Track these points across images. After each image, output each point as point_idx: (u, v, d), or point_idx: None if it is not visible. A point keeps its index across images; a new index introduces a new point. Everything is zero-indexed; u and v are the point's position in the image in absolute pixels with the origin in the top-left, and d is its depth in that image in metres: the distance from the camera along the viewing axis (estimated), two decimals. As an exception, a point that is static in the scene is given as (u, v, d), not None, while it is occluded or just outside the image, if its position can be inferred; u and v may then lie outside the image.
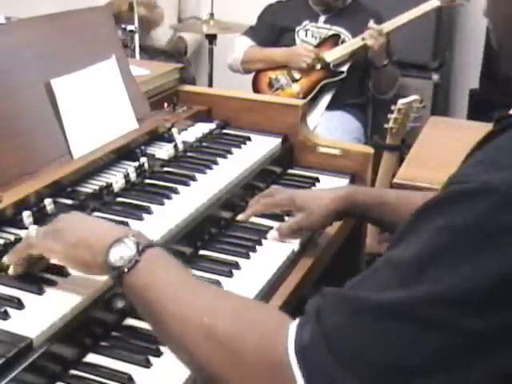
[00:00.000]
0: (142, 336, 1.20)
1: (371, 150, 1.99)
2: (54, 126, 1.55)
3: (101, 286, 1.21)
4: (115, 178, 1.55)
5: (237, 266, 1.42)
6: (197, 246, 1.50)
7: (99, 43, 1.76)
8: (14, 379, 1.01)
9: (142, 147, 1.73)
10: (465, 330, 0.74)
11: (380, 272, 0.81)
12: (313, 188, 1.85)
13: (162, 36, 3.97)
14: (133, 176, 1.59)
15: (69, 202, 1.44)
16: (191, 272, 1.03)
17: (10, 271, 1.20)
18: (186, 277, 1.00)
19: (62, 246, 1.11)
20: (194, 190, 1.60)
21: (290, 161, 1.99)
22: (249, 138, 1.94)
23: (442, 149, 2.35)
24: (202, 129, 1.95)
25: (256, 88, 3.46)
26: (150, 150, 1.76)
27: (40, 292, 1.16)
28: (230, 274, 1.39)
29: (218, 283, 1.34)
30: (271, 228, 1.58)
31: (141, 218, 1.43)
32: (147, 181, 1.62)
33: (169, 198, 1.53)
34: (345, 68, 3.36)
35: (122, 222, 1.40)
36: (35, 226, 1.32)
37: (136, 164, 1.63)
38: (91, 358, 1.15)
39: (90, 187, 1.52)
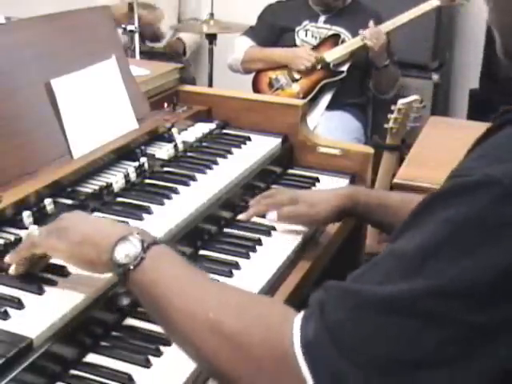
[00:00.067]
0: (142, 336, 1.20)
1: (371, 150, 1.99)
2: (54, 126, 1.55)
3: (101, 286, 1.21)
4: (115, 178, 1.55)
5: (237, 266, 1.42)
6: (197, 245, 1.50)
7: (99, 43, 1.76)
8: (14, 379, 1.01)
9: (142, 147, 1.73)
10: (466, 323, 0.74)
11: (383, 264, 0.82)
12: (313, 188, 1.85)
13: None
14: (133, 176, 1.59)
15: (69, 201, 1.44)
16: (196, 267, 1.02)
17: (12, 271, 1.20)
18: (192, 272, 1.00)
19: (66, 245, 1.11)
20: (194, 189, 1.60)
21: (290, 161, 1.99)
22: (249, 138, 1.94)
23: (442, 149, 2.35)
24: (202, 129, 1.95)
25: (256, 88, 3.46)
26: (150, 149, 1.76)
27: (40, 292, 1.16)
28: (230, 274, 1.39)
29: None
30: (272, 228, 1.58)
31: (141, 218, 1.43)
32: (147, 181, 1.62)
33: (169, 198, 1.53)
34: (345, 68, 3.36)
35: (122, 222, 1.40)
36: (35, 226, 1.32)
37: (136, 164, 1.63)
38: (91, 357, 1.15)
39: (90, 187, 1.52)
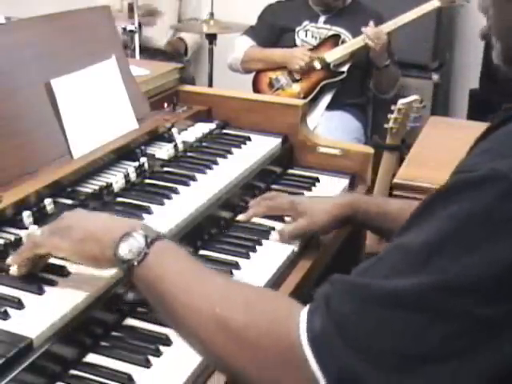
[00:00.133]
0: (142, 336, 1.20)
1: (371, 150, 1.99)
2: (54, 126, 1.55)
3: (101, 286, 1.21)
4: (115, 178, 1.55)
5: (237, 266, 1.42)
6: (197, 245, 1.50)
7: (99, 43, 1.76)
8: (14, 379, 1.01)
9: (142, 147, 1.73)
10: (472, 318, 0.75)
11: (388, 258, 0.82)
12: (313, 188, 1.85)
13: (161, 36, 3.97)
14: (133, 176, 1.59)
15: (69, 201, 1.44)
16: (200, 262, 1.03)
17: (14, 272, 1.20)
18: (196, 267, 1.01)
19: (69, 243, 1.12)
20: (194, 189, 1.60)
21: (290, 161, 1.99)
22: (249, 138, 1.94)
23: (442, 149, 2.35)
24: (202, 129, 1.95)
25: (256, 88, 3.46)
26: (150, 149, 1.75)
27: (40, 292, 1.16)
28: (230, 274, 1.39)
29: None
30: (272, 228, 1.58)
31: (141, 218, 1.43)
32: (147, 181, 1.62)
33: (169, 198, 1.53)
34: (345, 68, 3.36)
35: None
36: (35, 226, 1.32)
37: (136, 164, 1.63)
38: (91, 357, 1.15)
39: (90, 187, 1.52)
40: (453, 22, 4.03)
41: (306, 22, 3.42)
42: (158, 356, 1.16)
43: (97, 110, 1.66)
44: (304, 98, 3.25)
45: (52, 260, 1.26)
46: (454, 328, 0.75)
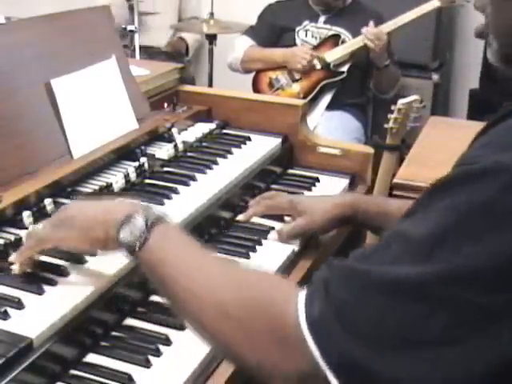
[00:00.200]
0: (142, 336, 1.20)
1: (371, 150, 2.00)
2: (54, 125, 1.55)
3: (101, 286, 1.21)
4: (115, 178, 1.55)
5: (237, 265, 1.42)
6: (197, 245, 1.50)
7: (99, 43, 1.76)
8: (14, 379, 1.01)
9: (142, 147, 1.73)
10: (473, 308, 0.75)
11: (391, 246, 0.82)
12: (313, 188, 1.85)
13: (161, 36, 3.97)
14: (133, 176, 1.59)
15: (69, 201, 1.44)
16: (201, 245, 1.03)
17: (16, 270, 1.20)
18: (197, 251, 1.01)
19: (76, 232, 1.13)
20: (194, 190, 1.60)
21: (290, 161, 1.99)
22: (249, 138, 1.94)
23: (442, 149, 2.35)
24: (202, 129, 1.95)
25: (256, 88, 3.46)
26: (150, 149, 1.76)
27: (40, 292, 1.16)
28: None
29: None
30: (271, 228, 1.58)
31: (141, 218, 1.43)
32: (147, 181, 1.62)
33: (169, 197, 1.53)
34: (345, 68, 3.36)
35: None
36: (35, 226, 1.32)
37: (136, 164, 1.63)
38: (91, 357, 1.15)
39: (90, 187, 1.52)
40: (453, 22, 4.03)
41: (306, 22, 3.42)
42: (158, 356, 1.16)
43: (97, 110, 1.66)
44: (304, 97, 3.25)
45: (52, 260, 1.26)
46: (454, 317, 0.76)
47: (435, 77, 3.78)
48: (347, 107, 3.41)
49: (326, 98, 3.39)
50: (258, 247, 1.51)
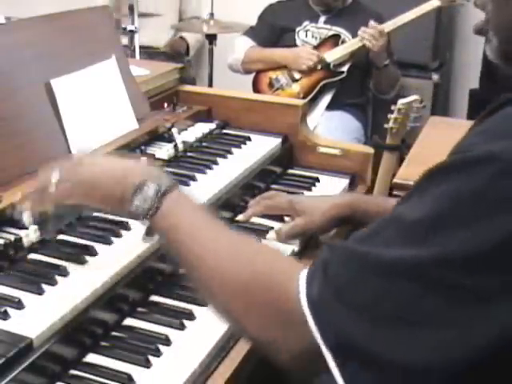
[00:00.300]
0: (142, 336, 1.20)
1: (371, 150, 2.00)
2: (53, 125, 1.55)
3: (101, 286, 1.21)
4: (115, 178, 1.55)
5: (237, 265, 1.42)
6: (197, 245, 1.50)
7: (99, 43, 1.76)
8: (14, 379, 1.01)
9: (142, 147, 1.73)
10: (466, 290, 0.77)
11: (387, 229, 0.85)
12: (313, 188, 1.85)
13: (162, 36, 3.96)
14: (133, 176, 1.59)
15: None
16: (211, 215, 1.06)
17: (25, 209, 1.21)
18: (208, 220, 1.04)
19: (95, 197, 1.14)
20: (194, 190, 1.60)
21: (290, 161, 1.99)
22: (249, 138, 1.94)
23: (442, 149, 2.34)
24: (202, 129, 1.95)
25: (256, 88, 3.46)
26: (150, 149, 1.75)
27: (40, 292, 1.16)
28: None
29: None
30: (271, 228, 1.58)
31: (141, 218, 1.43)
32: (147, 181, 1.62)
33: (169, 197, 1.53)
34: (345, 68, 3.36)
35: (122, 222, 1.40)
36: (35, 226, 1.32)
37: (136, 164, 1.63)
38: (91, 357, 1.15)
39: (90, 187, 1.52)
40: (453, 22, 4.03)
41: (306, 22, 3.41)
42: (158, 356, 1.16)
43: (97, 109, 1.66)
44: (304, 97, 3.25)
45: (52, 260, 1.26)
46: (448, 299, 0.78)
47: (435, 77, 3.78)
48: (347, 107, 3.41)
49: (326, 98, 3.39)
50: (258, 247, 1.51)
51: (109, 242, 1.34)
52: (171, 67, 2.11)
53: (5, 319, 1.09)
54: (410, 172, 2.23)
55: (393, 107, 2.75)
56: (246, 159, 1.80)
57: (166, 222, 1.03)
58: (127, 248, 1.33)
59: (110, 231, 1.37)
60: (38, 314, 1.11)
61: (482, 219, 0.77)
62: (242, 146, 1.89)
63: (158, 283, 1.36)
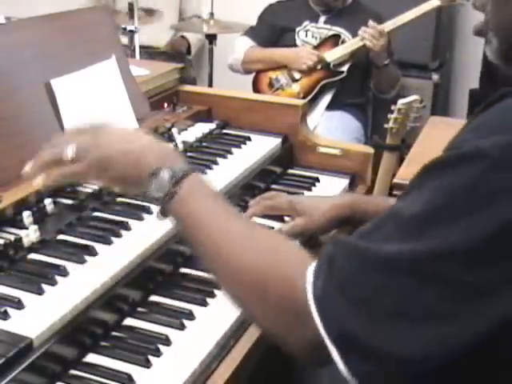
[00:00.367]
0: (142, 336, 1.20)
1: (371, 150, 2.00)
2: (54, 125, 1.55)
3: (101, 286, 1.21)
4: (115, 178, 1.55)
5: (237, 265, 1.42)
6: (197, 245, 1.50)
7: (99, 43, 1.76)
8: (14, 379, 1.01)
9: (142, 147, 1.72)
10: (462, 282, 0.79)
11: (385, 225, 0.87)
12: (313, 188, 1.85)
13: (162, 36, 3.96)
14: (133, 176, 1.59)
15: (69, 201, 1.44)
16: (227, 202, 1.06)
17: (37, 183, 1.18)
18: (225, 206, 1.04)
19: (111, 176, 1.13)
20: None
21: (290, 161, 1.99)
22: (249, 138, 1.94)
23: (442, 149, 2.35)
24: (202, 129, 1.95)
25: (256, 88, 3.46)
26: (150, 149, 1.75)
27: (40, 292, 1.16)
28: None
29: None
30: (271, 228, 1.58)
31: (141, 218, 1.43)
32: (147, 181, 1.62)
33: (169, 197, 1.53)
34: (345, 68, 3.36)
35: (122, 222, 1.40)
36: (35, 226, 1.32)
37: (136, 164, 1.63)
38: (91, 357, 1.15)
39: (90, 187, 1.52)
40: (453, 22, 4.03)
41: (306, 22, 3.41)
42: (158, 356, 1.16)
43: (97, 109, 1.66)
44: (304, 97, 3.25)
45: (52, 260, 1.26)
46: (445, 291, 0.80)
47: (435, 77, 3.78)
48: (347, 107, 3.41)
49: (326, 98, 3.39)
50: (258, 247, 1.51)
51: (109, 242, 1.34)
52: (171, 67, 2.11)
53: (5, 319, 1.09)
54: (410, 172, 2.22)
55: (393, 107, 2.75)
56: (245, 159, 1.80)
57: (183, 208, 1.04)
58: (127, 248, 1.33)
59: (109, 231, 1.37)
60: (38, 314, 1.11)
61: (474, 213, 0.79)
62: (242, 146, 1.89)
63: (158, 283, 1.36)
